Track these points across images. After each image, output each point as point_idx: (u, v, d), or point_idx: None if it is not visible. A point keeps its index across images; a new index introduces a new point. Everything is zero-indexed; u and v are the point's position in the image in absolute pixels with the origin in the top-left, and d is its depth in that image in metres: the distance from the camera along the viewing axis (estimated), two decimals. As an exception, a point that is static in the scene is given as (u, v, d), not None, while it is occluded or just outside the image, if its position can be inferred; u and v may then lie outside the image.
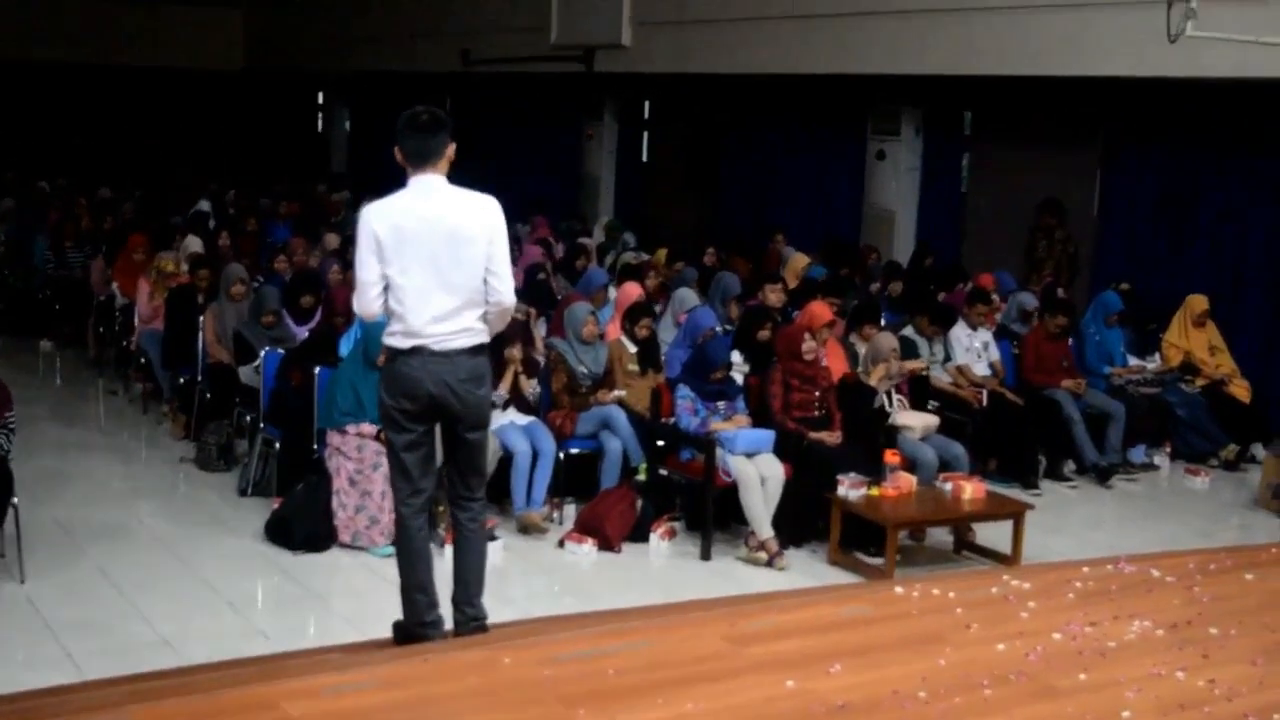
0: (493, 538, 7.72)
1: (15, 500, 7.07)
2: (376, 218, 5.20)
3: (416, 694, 3.74)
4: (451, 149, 5.26)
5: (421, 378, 5.15)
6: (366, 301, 5.26)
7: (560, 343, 9.00)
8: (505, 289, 5.26)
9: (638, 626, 4.68)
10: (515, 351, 8.50)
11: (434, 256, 5.12)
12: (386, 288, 5.19)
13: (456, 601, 5.40)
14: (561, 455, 8.45)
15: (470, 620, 5.36)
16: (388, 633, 5.80)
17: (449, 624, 5.42)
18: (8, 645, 6.32)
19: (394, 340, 5.24)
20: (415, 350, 5.17)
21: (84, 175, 18.81)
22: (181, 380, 10.05)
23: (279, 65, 23.90)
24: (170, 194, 17.38)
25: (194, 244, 11.87)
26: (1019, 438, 9.75)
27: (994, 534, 8.18)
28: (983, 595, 5.03)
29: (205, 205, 15.72)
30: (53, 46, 22.36)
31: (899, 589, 4.79)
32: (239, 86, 25.21)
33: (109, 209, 14.95)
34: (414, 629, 5.28)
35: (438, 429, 5.41)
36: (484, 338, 5.28)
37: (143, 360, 10.90)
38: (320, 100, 25.78)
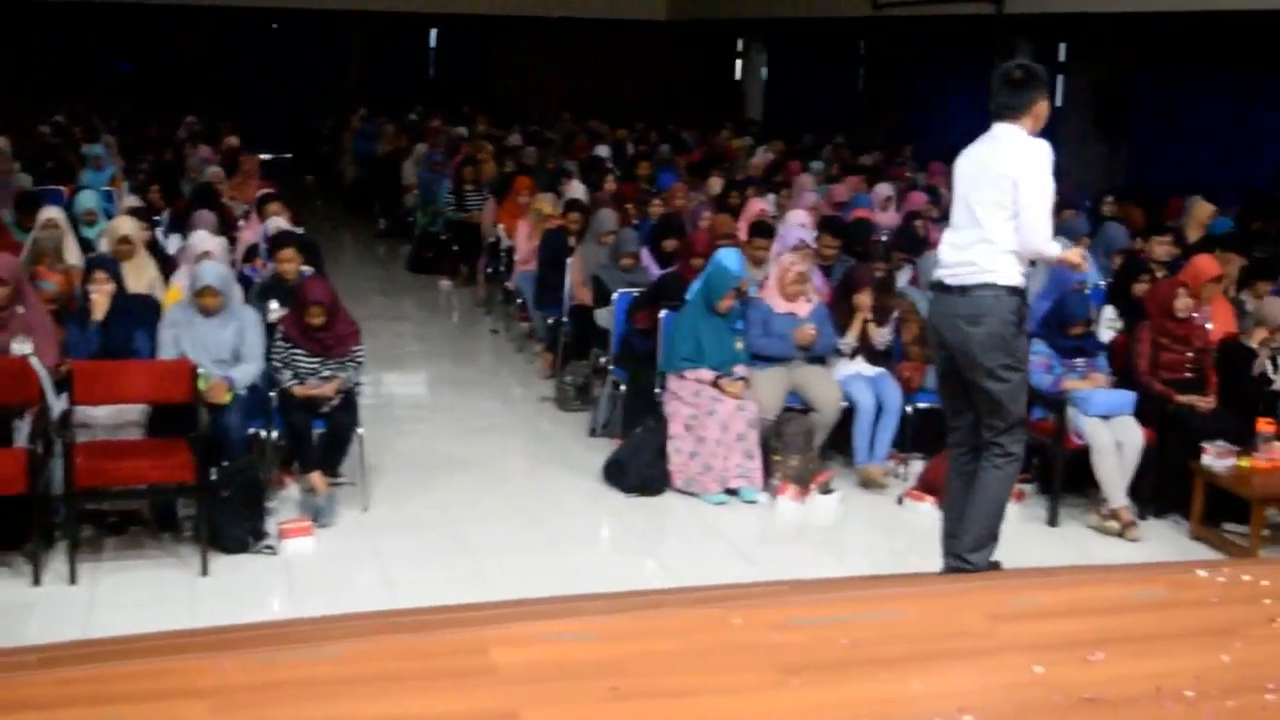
0: (827, 490, 7.55)
1: (361, 430, 7.40)
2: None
3: (630, 649, 3.59)
4: (1038, 107, 5.27)
5: (931, 313, 5.54)
6: None
7: (914, 291, 8.63)
8: (1026, 233, 5.19)
9: (892, 594, 4.38)
10: (864, 298, 8.20)
11: (964, 196, 5.36)
12: None
13: (946, 541, 5.57)
14: (909, 409, 8.14)
15: (952, 558, 5.46)
16: (701, 580, 5.86)
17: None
18: (349, 569, 6.62)
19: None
20: (932, 284, 5.52)
21: (501, 122, 19.66)
22: (550, 320, 10.28)
23: (700, 14, 24.11)
24: (575, 139, 17.83)
25: (577, 189, 12.08)
26: None
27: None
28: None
29: (604, 151, 16.00)
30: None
31: (1202, 572, 4.25)
32: (661, 36, 25.61)
33: (512, 154, 15.48)
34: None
35: None
36: (987, 277, 5.23)
37: (520, 300, 11.25)
38: (739, 47, 25.87)
